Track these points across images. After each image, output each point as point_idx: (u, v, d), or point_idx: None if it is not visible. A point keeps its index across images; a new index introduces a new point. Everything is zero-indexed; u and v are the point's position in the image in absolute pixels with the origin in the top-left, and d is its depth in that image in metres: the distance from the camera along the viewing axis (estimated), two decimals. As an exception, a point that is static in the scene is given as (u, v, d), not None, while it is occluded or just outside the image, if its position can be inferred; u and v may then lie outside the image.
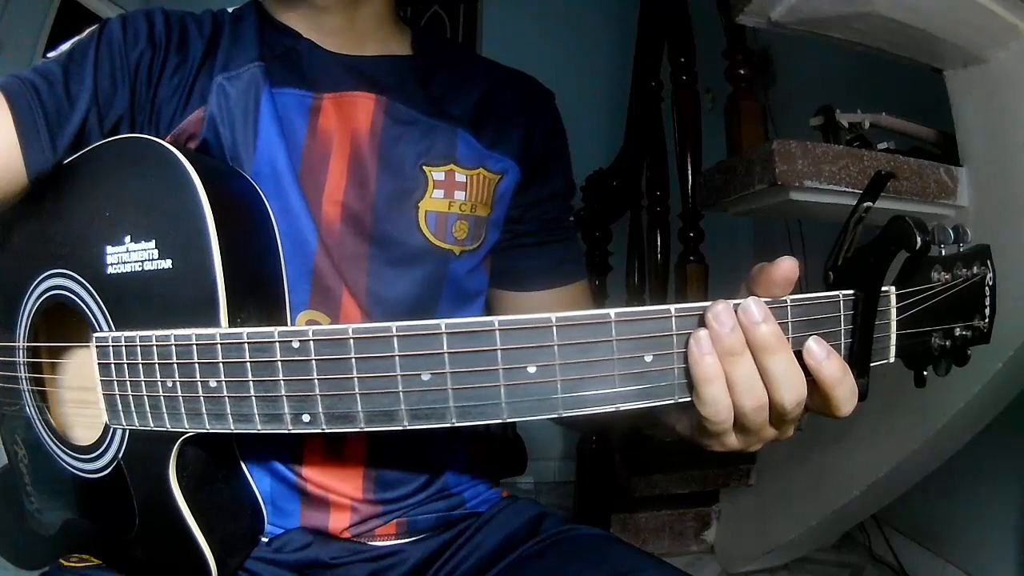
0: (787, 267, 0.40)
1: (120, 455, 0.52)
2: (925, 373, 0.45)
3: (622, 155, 2.07)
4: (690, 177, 1.72)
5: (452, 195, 0.63)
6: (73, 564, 0.58)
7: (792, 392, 0.40)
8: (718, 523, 1.82)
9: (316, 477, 0.60)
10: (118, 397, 0.49)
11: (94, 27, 0.60)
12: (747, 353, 0.39)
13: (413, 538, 0.63)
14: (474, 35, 2.90)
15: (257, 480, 0.58)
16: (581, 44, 2.79)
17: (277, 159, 0.59)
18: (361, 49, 0.66)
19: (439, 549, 0.63)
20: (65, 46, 0.59)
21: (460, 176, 0.63)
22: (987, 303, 0.45)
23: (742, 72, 1.68)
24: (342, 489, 0.60)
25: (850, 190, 1.09)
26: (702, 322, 0.39)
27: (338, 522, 0.60)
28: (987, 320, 0.46)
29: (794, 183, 1.08)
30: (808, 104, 1.28)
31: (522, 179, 0.68)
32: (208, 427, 0.45)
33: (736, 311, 0.39)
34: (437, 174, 0.62)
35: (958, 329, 0.45)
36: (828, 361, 0.39)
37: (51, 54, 0.58)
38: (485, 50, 2.85)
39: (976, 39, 1.03)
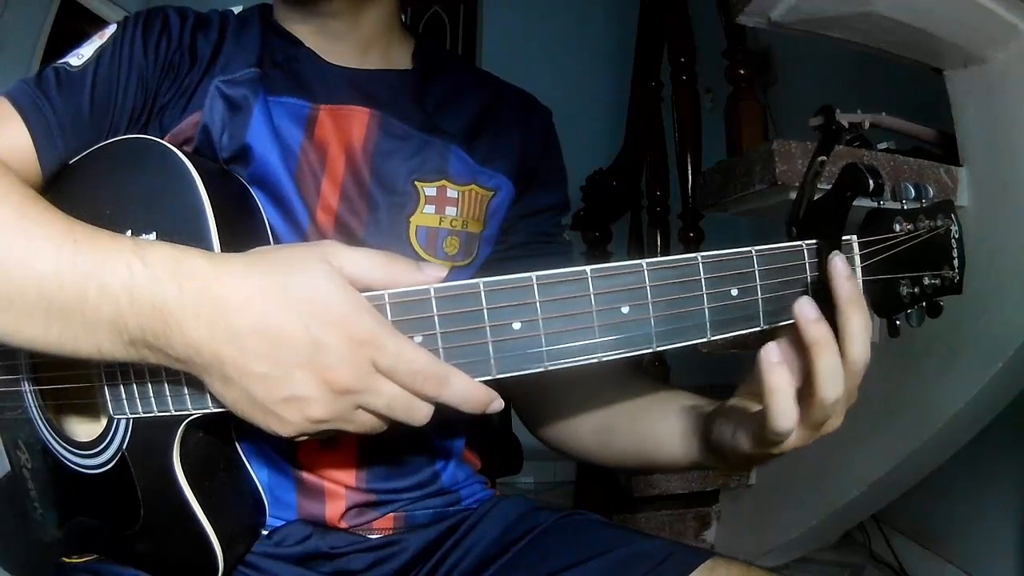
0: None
1: (124, 447, 0.52)
2: (898, 322, 0.47)
3: (622, 155, 2.07)
4: (690, 177, 1.72)
5: (443, 211, 0.64)
6: (74, 560, 0.59)
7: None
8: (718, 523, 1.81)
9: (311, 464, 0.60)
10: (122, 387, 0.50)
11: (114, 30, 0.60)
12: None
13: (411, 533, 0.64)
14: (474, 35, 2.90)
15: (255, 470, 0.59)
16: (581, 44, 2.79)
17: (271, 165, 0.59)
18: (362, 59, 0.66)
19: (438, 539, 0.64)
20: (87, 51, 0.59)
21: (452, 192, 0.64)
22: (955, 254, 0.46)
23: (742, 72, 1.68)
24: (337, 477, 0.61)
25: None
26: (674, 274, 0.42)
27: (334, 510, 0.61)
28: (956, 271, 0.46)
29: (794, 183, 1.08)
30: (808, 104, 1.28)
31: (515, 195, 0.69)
32: (211, 406, 0.46)
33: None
34: (429, 189, 0.63)
35: (927, 278, 0.46)
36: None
37: (73, 60, 0.58)
38: (485, 50, 2.85)
39: (976, 39, 1.03)
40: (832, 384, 0.41)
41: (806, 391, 0.42)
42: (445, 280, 0.63)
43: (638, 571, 0.56)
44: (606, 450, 0.64)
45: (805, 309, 0.41)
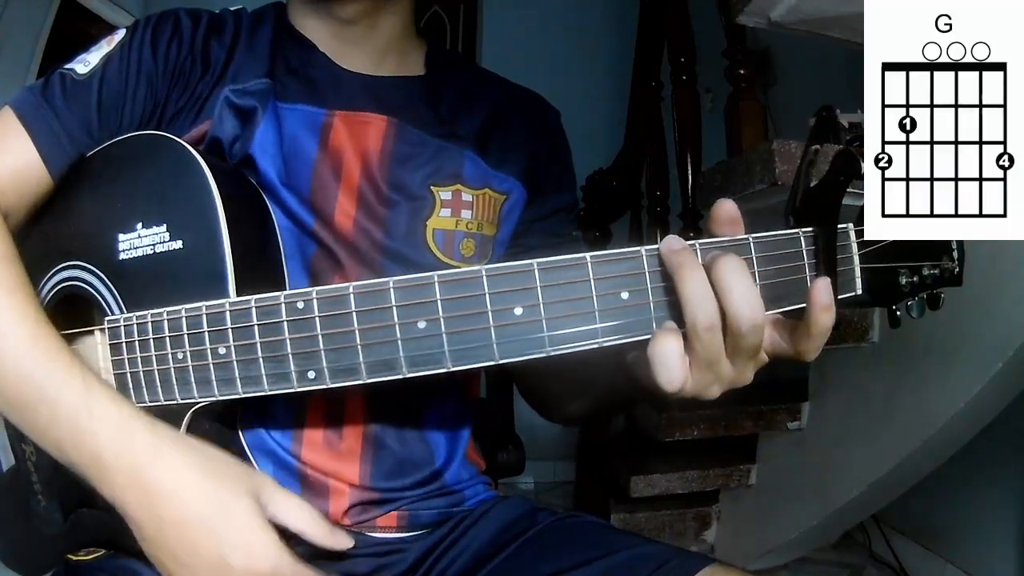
0: (725, 208, 0.43)
1: None
2: (898, 313, 0.47)
3: (622, 155, 2.07)
4: (690, 177, 1.72)
5: (459, 214, 0.64)
6: (81, 558, 0.59)
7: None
8: (718, 523, 1.82)
9: (315, 461, 0.60)
10: (128, 375, 0.50)
11: (122, 35, 0.60)
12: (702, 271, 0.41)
13: (414, 532, 0.64)
14: (474, 35, 2.90)
15: (259, 465, 0.59)
16: (581, 44, 2.80)
17: (273, 172, 0.59)
18: (378, 66, 0.66)
19: (437, 543, 0.64)
20: (93, 58, 0.58)
21: (466, 196, 0.65)
22: (954, 246, 0.46)
23: (742, 72, 1.69)
24: (340, 473, 0.61)
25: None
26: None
27: (338, 507, 0.61)
28: (956, 262, 0.46)
29: (794, 182, 1.08)
30: (808, 104, 1.28)
31: (528, 198, 0.69)
32: (217, 394, 0.47)
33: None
34: (444, 194, 0.64)
35: (926, 268, 0.46)
36: (829, 311, 0.41)
37: (79, 67, 0.58)
38: (485, 50, 2.85)
39: (976, 39, 1.03)
40: (701, 308, 0.40)
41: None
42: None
43: (637, 575, 0.56)
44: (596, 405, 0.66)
45: (672, 243, 0.41)
